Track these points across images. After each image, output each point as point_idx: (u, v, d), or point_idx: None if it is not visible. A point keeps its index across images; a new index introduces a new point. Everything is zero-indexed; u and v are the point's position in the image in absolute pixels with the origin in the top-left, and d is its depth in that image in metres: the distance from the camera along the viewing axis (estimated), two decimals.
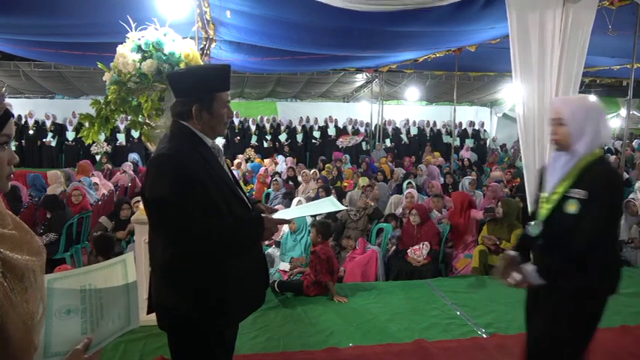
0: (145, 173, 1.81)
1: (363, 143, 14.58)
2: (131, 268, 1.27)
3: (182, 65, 3.12)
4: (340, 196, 6.85)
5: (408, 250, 4.98)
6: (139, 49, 3.14)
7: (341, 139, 13.84)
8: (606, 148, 14.53)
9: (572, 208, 1.95)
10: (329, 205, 1.96)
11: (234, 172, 2.14)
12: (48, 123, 13.22)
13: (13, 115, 1.01)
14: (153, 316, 1.85)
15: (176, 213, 1.68)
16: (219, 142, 1.89)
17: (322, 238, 4.15)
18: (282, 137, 14.24)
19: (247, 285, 1.85)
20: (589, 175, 1.95)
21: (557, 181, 2.02)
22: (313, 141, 14.47)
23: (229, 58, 8.00)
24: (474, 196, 6.63)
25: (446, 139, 14.86)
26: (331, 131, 14.61)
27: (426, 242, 4.92)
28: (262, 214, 1.86)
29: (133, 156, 11.35)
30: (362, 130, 14.93)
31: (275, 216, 1.89)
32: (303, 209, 2.28)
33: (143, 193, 1.82)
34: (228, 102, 1.87)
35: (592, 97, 2.10)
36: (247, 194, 2.00)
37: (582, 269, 1.96)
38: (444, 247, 5.22)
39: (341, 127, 14.92)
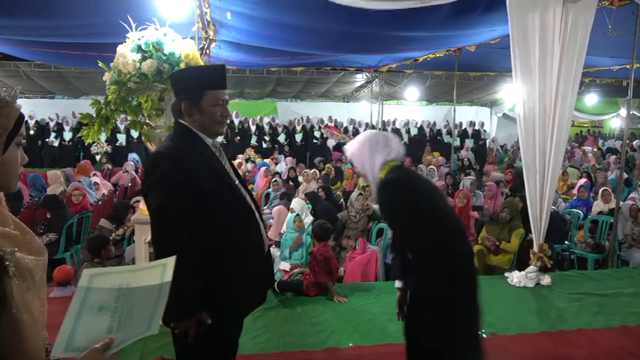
0: (143, 172, 1.84)
1: None
2: (169, 272, 1.22)
3: (182, 65, 3.12)
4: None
5: None
6: (139, 49, 3.14)
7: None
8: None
9: None
10: None
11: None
12: (52, 123, 13.23)
13: (24, 116, 1.11)
14: None
15: (164, 217, 1.71)
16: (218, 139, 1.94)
17: (317, 239, 4.15)
18: (281, 138, 14.21)
19: (248, 285, 1.85)
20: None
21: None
22: (314, 141, 14.46)
23: (230, 58, 8.00)
24: (474, 197, 6.63)
25: (446, 139, 14.86)
26: None
27: None
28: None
29: (133, 156, 11.32)
30: (361, 130, 14.92)
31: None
32: None
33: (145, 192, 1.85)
34: (222, 101, 1.88)
35: (363, 134, 2.25)
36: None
37: None
38: None
39: (342, 128, 14.90)
